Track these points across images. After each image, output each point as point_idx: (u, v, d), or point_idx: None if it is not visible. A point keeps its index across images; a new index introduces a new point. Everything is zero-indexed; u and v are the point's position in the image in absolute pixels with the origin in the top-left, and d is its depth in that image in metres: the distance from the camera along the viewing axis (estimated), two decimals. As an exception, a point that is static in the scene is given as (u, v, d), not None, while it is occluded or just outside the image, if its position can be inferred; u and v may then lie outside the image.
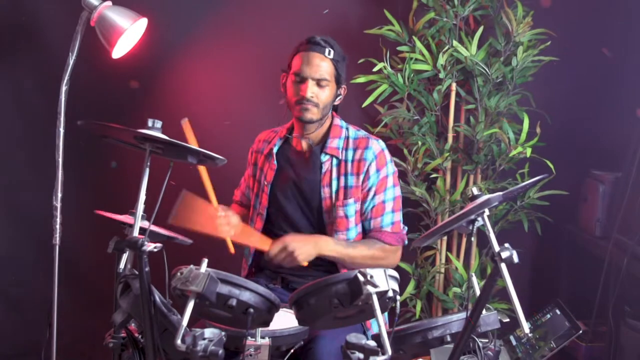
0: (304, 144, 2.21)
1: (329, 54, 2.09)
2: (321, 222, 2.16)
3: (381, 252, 2.13)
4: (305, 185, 2.18)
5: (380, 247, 2.13)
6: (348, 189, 2.14)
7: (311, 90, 2.08)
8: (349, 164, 2.16)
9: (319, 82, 2.09)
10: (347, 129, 2.22)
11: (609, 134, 2.72)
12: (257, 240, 2.11)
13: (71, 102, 2.51)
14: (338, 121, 2.22)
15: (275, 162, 2.23)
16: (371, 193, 2.14)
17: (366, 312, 1.53)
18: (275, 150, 2.24)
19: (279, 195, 2.21)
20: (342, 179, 2.15)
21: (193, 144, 1.88)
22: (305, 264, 2.04)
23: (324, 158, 2.17)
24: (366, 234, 2.18)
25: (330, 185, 2.15)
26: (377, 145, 2.17)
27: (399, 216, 2.19)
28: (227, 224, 2.06)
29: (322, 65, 2.09)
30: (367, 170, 2.13)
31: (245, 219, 2.29)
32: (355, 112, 2.86)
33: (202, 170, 1.98)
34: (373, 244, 2.13)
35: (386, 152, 2.19)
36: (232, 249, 2.11)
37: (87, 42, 2.50)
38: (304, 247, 2.01)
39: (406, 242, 2.21)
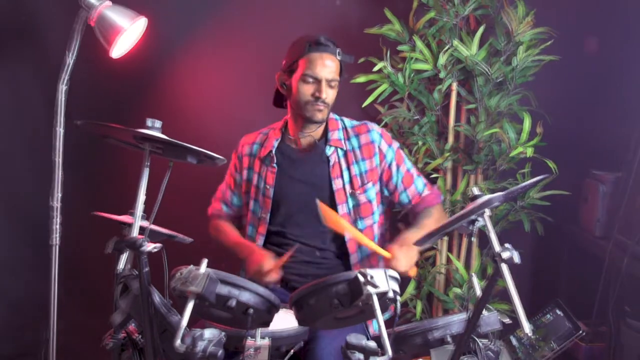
0: (305, 141, 2.21)
1: (339, 54, 2.13)
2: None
3: (437, 213, 2.23)
4: (315, 181, 2.19)
5: (435, 210, 2.22)
6: (363, 174, 2.18)
7: (326, 91, 2.11)
8: (357, 152, 2.19)
9: (330, 83, 2.11)
10: (341, 120, 2.26)
11: (609, 134, 2.72)
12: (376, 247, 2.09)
13: (70, 102, 2.51)
14: (332, 114, 2.25)
15: (275, 164, 2.23)
16: (394, 167, 2.21)
17: (366, 312, 1.53)
18: (274, 151, 2.24)
19: (283, 196, 2.21)
20: (354, 167, 2.18)
21: None
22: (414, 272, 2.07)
23: (329, 151, 2.19)
24: (409, 207, 2.24)
25: (341, 176, 2.17)
26: (377, 127, 2.26)
27: (424, 178, 2.28)
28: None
29: (334, 66, 2.12)
30: (380, 150, 2.20)
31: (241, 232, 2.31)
32: (355, 111, 2.86)
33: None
34: (429, 213, 2.21)
35: (385, 130, 2.28)
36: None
37: (86, 42, 2.49)
38: (409, 254, 2.02)
39: (442, 196, 2.36)
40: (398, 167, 2.21)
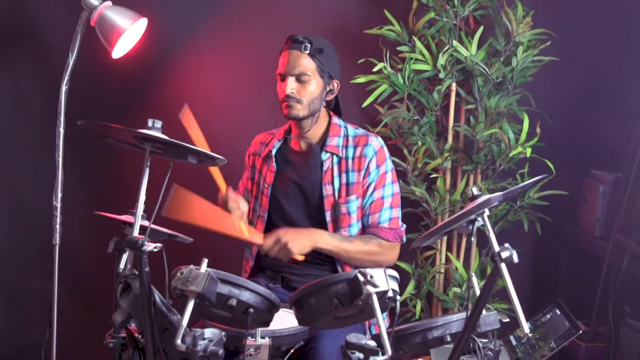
0: (303, 144, 2.22)
1: (305, 49, 2.11)
2: (323, 220, 2.16)
3: (378, 247, 2.13)
4: (307, 185, 2.19)
5: (377, 242, 2.13)
6: (350, 185, 2.15)
7: (290, 86, 2.10)
8: (350, 161, 2.17)
9: (298, 78, 2.11)
10: (345, 127, 2.23)
11: (609, 134, 2.72)
12: (251, 234, 2.11)
13: (71, 102, 2.51)
14: (336, 120, 2.24)
15: (274, 163, 2.24)
16: (370, 189, 2.16)
17: (366, 312, 1.53)
18: (273, 152, 2.25)
19: (279, 196, 2.22)
20: (344, 176, 2.16)
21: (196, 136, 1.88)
22: (301, 257, 2.04)
23: (325, 156, 2.18)
24: (364, 230, 2.18)
25: (332, 183, 2.16)
26: (376, 142, 2.19)
27: (397, 212, 2.19)
28: (238, 208, 2.09)
29: (300, 61, 2.11)
30: (368, 167, 2.15)
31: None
32: (355, 112, 2.86)
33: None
34: (370, 239, 2.13)
35: (385, 148, 2.21)
36: (246, 234, 2.11)
37: (87, 42, 2.50)
38: (298, 239, 2.02)
39: (404, 239, 2.21)
40: (374, 190, 2.16)
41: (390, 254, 2.17)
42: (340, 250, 2.08)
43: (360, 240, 2.13)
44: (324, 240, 2.07)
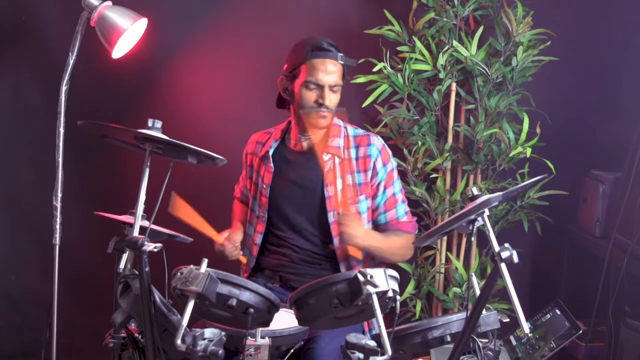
0: (305, 144, 2.21)
1: (340, 58, 2.10)
2: (325, 221, 2.16)
3: (407, 241, 2.19)
4: (307, 185, 2.18)
5: (405, 237, 2.19)
6: (358, 186, 2.16)
7: (329, 98, 2.10)
8: (354, 162, 2.18)
9: (332, 88, 2.10)
10: (345, 127, 2.23)
11: (609, 134, 2.72)
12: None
13: (71, 102, 2.51)
14: (335, 120, 2.23)
15: (271, 164, 2.23)
16: (381, 187, 2.18)
17: (366, 312, 1.53)
18: (270, 152, 2.24)
19: (278, 197, 2.21)
20: (348, 177, 2.16)
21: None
22: (358, 254, 2.09)
23: (326, 157, 2.18)
24: (382, 227, 2.20)
25: (334, 183, 2.16)
26: (378, 141, 2.21)
27: (407, 206, 2.26)
28: (234, 249, 2.13)
29: (336, 71, 2.10)
30: (374, 166, 2.17)
31: (245, 217, 2.34)
32: (355, 112, 2.86)
33: (186, 214, 1.92)
34: (400, 234, 2.19)
35: (387, 147, 2.23)
36: (244, 260, 2.20)
37: (87, 42, 2.50)
38: (360, 231, 2.06)
39: (417, 231, 2.28)
40: (385, 188, 2.18)
41: (412, 246, 2.24)
42: (384, 246, 2.13)
43: (395, 235, 2.18)
44: (370, 236, 2.12)
